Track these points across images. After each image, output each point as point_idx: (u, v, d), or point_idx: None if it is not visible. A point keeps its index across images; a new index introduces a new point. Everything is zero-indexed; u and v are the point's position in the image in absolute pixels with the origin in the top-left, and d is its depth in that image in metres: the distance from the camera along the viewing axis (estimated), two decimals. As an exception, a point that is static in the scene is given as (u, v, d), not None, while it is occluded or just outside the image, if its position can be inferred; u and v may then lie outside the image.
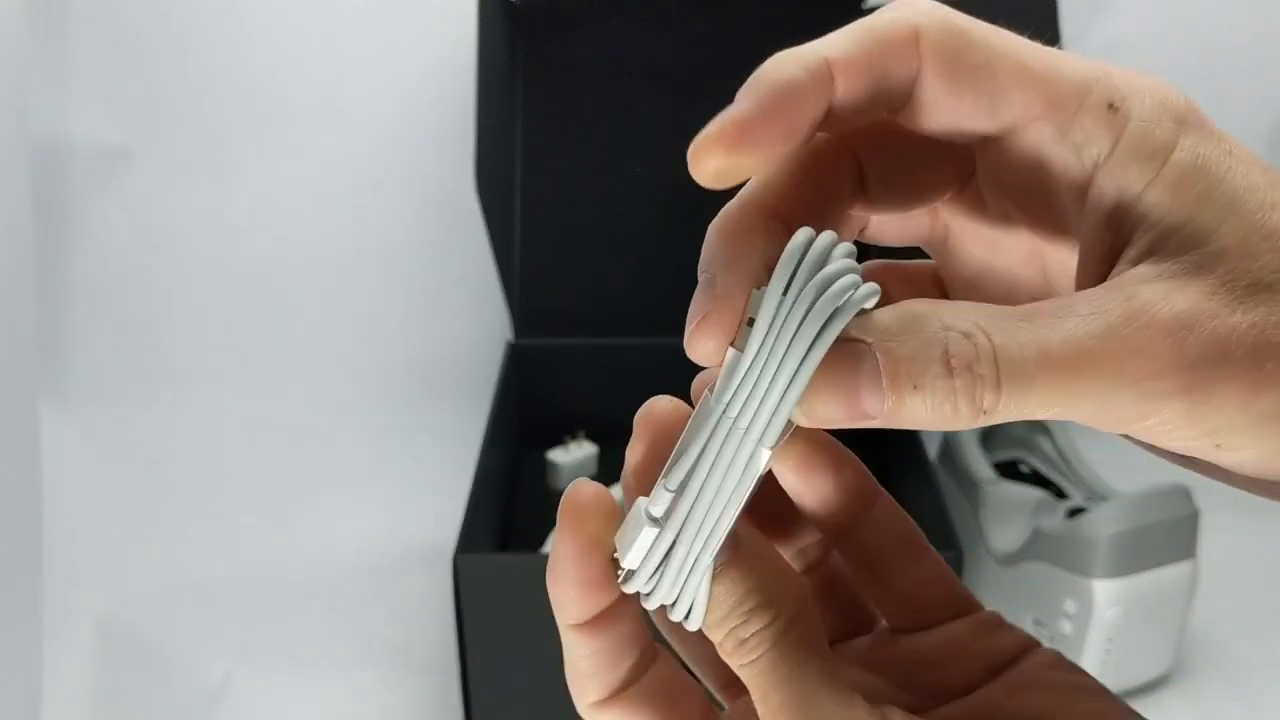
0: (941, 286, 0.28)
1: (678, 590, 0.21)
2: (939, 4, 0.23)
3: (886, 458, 0.80)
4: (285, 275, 0.91)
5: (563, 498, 0.23)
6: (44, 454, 0.75)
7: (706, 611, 0.22)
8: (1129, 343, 0.20)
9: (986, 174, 0.24)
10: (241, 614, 0.77)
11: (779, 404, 0.20)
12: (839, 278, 0.20)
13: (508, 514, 0.78)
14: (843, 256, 0.21)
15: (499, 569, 0.59)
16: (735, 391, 0.20)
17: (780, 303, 0.20)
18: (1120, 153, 0.22)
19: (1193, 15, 0.89)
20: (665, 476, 0.21)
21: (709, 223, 0.24)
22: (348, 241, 0.92)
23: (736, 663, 0.22)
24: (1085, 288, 0.22)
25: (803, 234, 0.21)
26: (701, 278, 0.22)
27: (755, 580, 0.22)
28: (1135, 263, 0.21)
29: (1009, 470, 0.76)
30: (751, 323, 0.20)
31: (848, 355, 0.20)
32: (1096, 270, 0.22)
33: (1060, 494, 0.72)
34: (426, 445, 0.91)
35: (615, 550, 0.22)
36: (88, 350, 0.89)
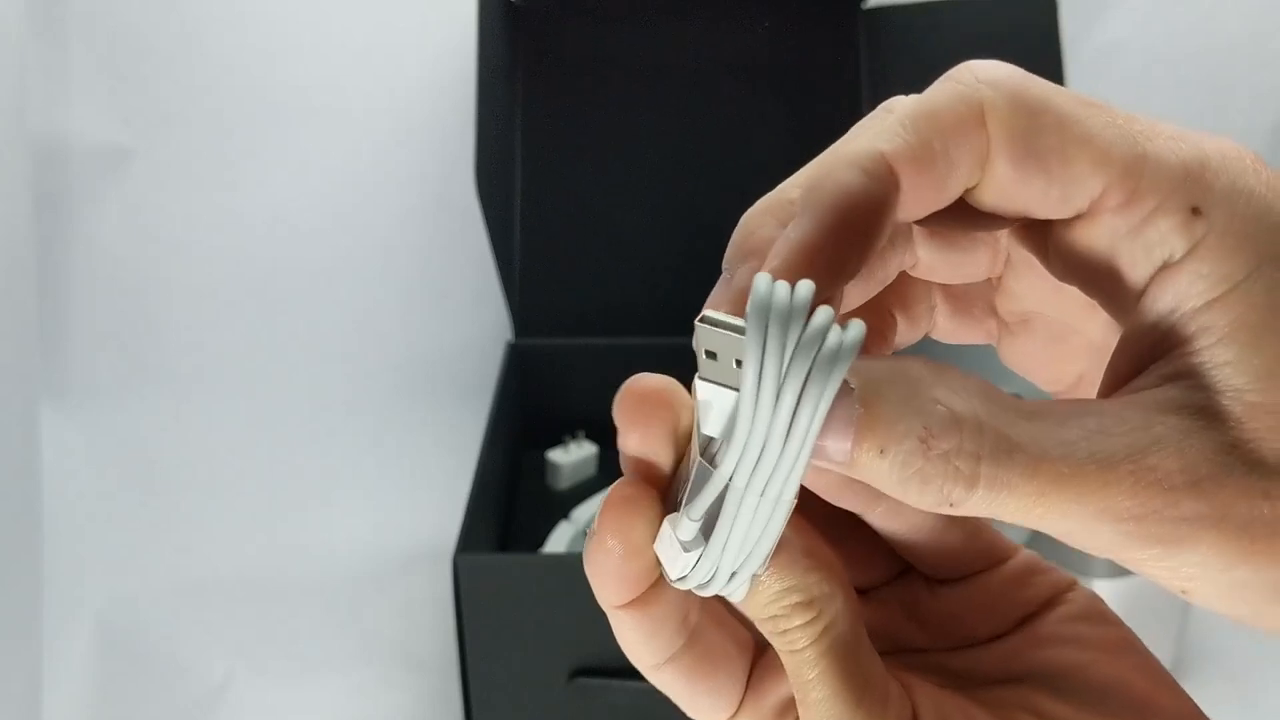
0: (991, 299, 0.26)
1: (721, 591, 0.21)
2: (1010, 72, 0.21)
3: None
4: (285, 275, 0.91)
5: (606, 497, 0.21)
6: (44, 454, 0.75)
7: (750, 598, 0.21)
8: (1124, 482, 0.18)
9: (1053, 239, 0.22)
10: (241, 614, 0.77)
11: (790, 473, 0.19)
12: (827, 330, 0.18)
13: (508, 514, 0.78)
14: (809, 297, 0.18)
15: (499, 569, 0.59)
16: (739, 465, 0.19)
17: (762, 367, 0.18)
18: (1190, 261, 0.20)
19: (1193, 15, 0.88)
20: (687, 505, 0.20)
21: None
22: (348, 241, 0.92)
23: (780, 648, 0.21)
24: (1111, 379, 0.21)
25: (761, 282, 0.18)
26: (724, 272, 0.21)
27: (795, 580, 0.21)
28: (1166, 380, 0.20)
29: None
30: (738, 362, 0.18)
31: None
32: (1127, 366, 0.21)
33: (1060, 494, 0.72)
34: (426, 445, 0.91)
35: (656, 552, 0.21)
36: (88, 350, 0.89)
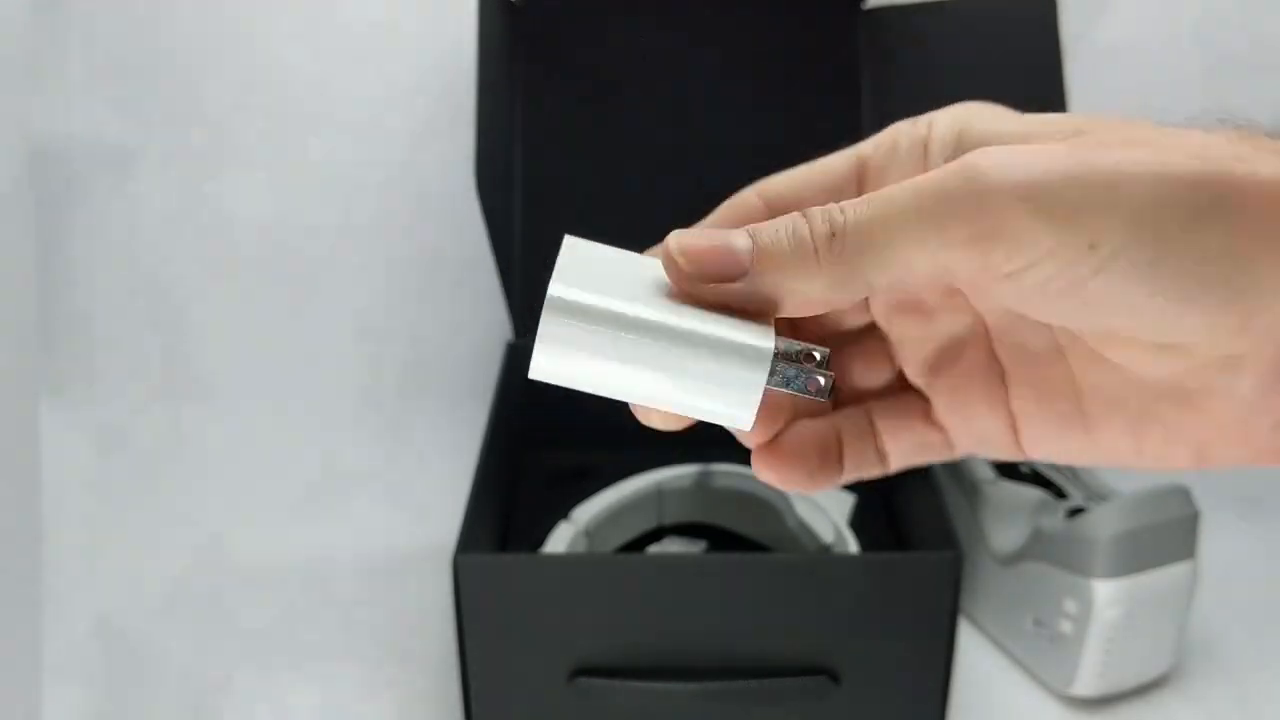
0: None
1: None
2: None
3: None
4: (285, 275, 0.91)
5: None
6: (44, 454, 0.75)
7: None
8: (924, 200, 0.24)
9: None
10: (241, 614, 0.77)
11: None
12: None
13: (508, 514, 0.78)
14: None
15: (499, 569, 0.59)
16: None
17: None
18: None
19: (1193, 16, 0.88)
20: None
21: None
22: (347, 241, 0.92)
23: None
24: None
25: None
26: None
27: None
28: None
29: (1009, 470, 0.75)
30: None
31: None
32: None
33: (1060, 494, 0.72)
34: (426, 445, 0.91)
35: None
36: (88, 350, 0.89)
